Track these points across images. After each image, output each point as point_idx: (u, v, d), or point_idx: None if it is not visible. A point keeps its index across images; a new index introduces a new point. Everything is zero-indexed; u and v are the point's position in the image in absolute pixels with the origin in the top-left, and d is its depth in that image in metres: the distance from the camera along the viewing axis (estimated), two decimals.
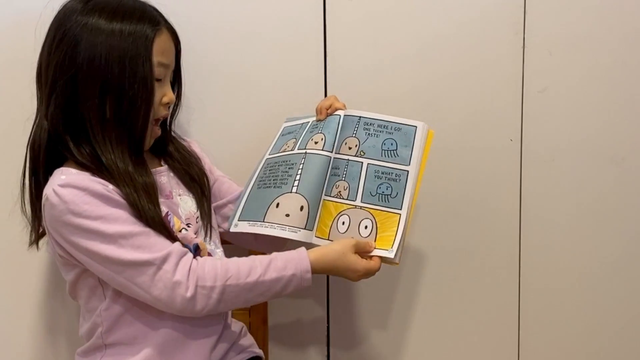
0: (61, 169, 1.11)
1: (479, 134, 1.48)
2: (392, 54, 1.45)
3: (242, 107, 1.43)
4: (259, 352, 1.31)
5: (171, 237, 1.11)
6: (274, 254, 1.13)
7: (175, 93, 1.24)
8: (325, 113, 1.26)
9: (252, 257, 1.12)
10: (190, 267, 1.08)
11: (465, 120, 1.48)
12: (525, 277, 1.53)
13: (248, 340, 1.30)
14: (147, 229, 1.08)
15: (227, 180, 1.33)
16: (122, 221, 1.07)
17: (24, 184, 1.18)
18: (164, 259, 1.07)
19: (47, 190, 1.08)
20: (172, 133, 1.28)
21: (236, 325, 1.28)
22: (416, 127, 1.24)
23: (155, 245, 1.08)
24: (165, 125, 1.24)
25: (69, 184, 1.07)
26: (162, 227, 1.10)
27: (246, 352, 1.27)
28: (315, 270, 1.13)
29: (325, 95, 1.44)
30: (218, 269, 1.09)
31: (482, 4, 1.45)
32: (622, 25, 1.46)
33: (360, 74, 1.45)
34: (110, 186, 1.09)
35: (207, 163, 1.33)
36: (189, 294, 1.06)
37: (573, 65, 1.47)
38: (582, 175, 1.50)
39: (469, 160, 1.49)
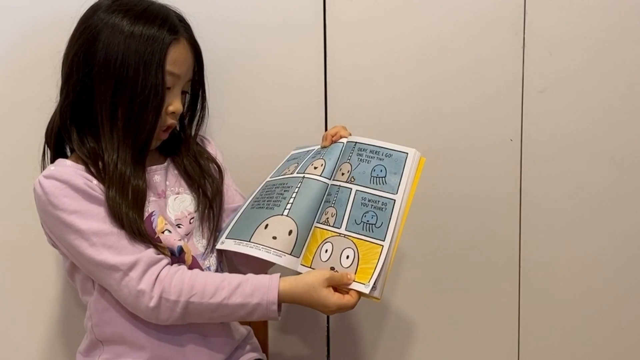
0: (59, 159, 1.14)
1: (479, 134, 1.48)
2: (392, 53, 1.45)
3: (240, 107, 1.43)
4: (262, 356, 1.31)
5: (147, 242, 1.10)
6: (248, 275, 1.11)
7: (200, 105, 1.25)
8: (330, 140, 1.24)
9: (224, 275, 1.11)
10: (157, 277, 1.08)
11: (465, 120, 1.48)
12: (525, 277, 1.53)
13: (251, 345, 1.29)
14: (122, 231, 1.08)
15: (231, 190, 1.29)
16: (98, 218, 1.08)
17: (43, 167, 1.19)
18: (131, 266, 1.07)
19: (35, 180, 1.10)
20: (199, 141, 1.28)
21: (239, 334, 1.25)
22: (407, 154, 1.16)
23: (125, 248, 1.08)
24: (184, 129, 1.25)
25: (52, 175, 1.08)
26: (138, 234, 1.09)
27: None
28: (284, 301, 1.10)
29: (325, 95, 1.44)
30: (184, 283, 1.08)
31: (482, 4, 1.44)
32: (622, 25, 1.46)
33: (360, 73, 1.45)
34: (95, 182, 1.10)
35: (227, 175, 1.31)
36: (152, 304, 1.07)
37: (573, 65, 1.47)
38: (582, 175, 1.50)
39: (469, 160, 1.49)
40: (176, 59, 1.14)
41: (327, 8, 1.42)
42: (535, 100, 1.48)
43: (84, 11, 1.16)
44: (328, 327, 1.53)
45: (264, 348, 1.38)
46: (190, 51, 1.18)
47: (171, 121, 1.17)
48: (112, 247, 1.07)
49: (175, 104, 1.16)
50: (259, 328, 1.38)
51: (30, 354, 1.44)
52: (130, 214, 1.09)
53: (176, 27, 1.14)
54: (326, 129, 1.43)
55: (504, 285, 1.53)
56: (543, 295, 1.54)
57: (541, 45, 1.46)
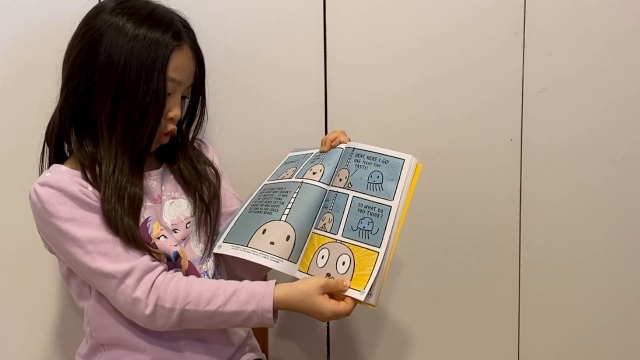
0: (54, 165, 1.13)
1: (479, 134, 1.48)
2: (392, 53, 1.44)
3: (239, 109, 1.43)
4: (261, 356, 1.30)
5: (143, 249, 1.10)
6: (243, 282, 1.10)
7: (199, 110, 1.25)
8: (329, 145, 1.23)
9: (220, 282, 1.11)
10: (152, 284, 1.07)
11: (465, 120, 1.47)
12: (525, 277, 1.53)
13: (250, 345, 1.29)
14: (117, 238, 1.08)
15: (229, 194, 1.28)
16: (93, 226, 1.07)
17: (42, 168, 1.19)
18: (127, 274, 1.06)
19: (30, 187, 1.09)
20: (197, 145, 1.28)
21: (238, 337, 1.25)
22: (404, 160, 1.15)
23: (121, 255, 1.07)
24: (182, 135, 1.25)
25: (47, 183, 1.08)
26: (133, 240, 1.09)
27: None
28: (280, 308, 1.09)
29: (325, 95, 1.44)
30: (180, 291, 1.07)
31: (482, 4, 1.44)
32: (622, 25, 1.46)
33: (360, 73, 1.44)
34: (90, 188, 1.09)
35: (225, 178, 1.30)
36: (147, 312, 1.06)
37: (573, 65, 1.47)
38: (582, 175, 1.50)
39: (469, 160, 1.49)
40: (178, 65, 1.13)
41: (327, 8, 1.41)
42: (535, 100, 1.48)
43: (87, 12, 1.15)
44: (328, 333, 1.53)
45: (265, 348, 1.38)
46: (193, 58, 1.17)
47: (171, 127, 1.17)
48: (108, 255, 1.07)
49: (174, 110, 1.15)
50: (259, 333, 1.38)
51: (28, 356, 1.44)
52: (125, 221, 1.08)
53: (180, 33, 1.14)
54: (326, 131, 1.44)
55: (504, 287, 1.53)
56: (543, 297, 1.54)
57: (541, 45, 1.46)
